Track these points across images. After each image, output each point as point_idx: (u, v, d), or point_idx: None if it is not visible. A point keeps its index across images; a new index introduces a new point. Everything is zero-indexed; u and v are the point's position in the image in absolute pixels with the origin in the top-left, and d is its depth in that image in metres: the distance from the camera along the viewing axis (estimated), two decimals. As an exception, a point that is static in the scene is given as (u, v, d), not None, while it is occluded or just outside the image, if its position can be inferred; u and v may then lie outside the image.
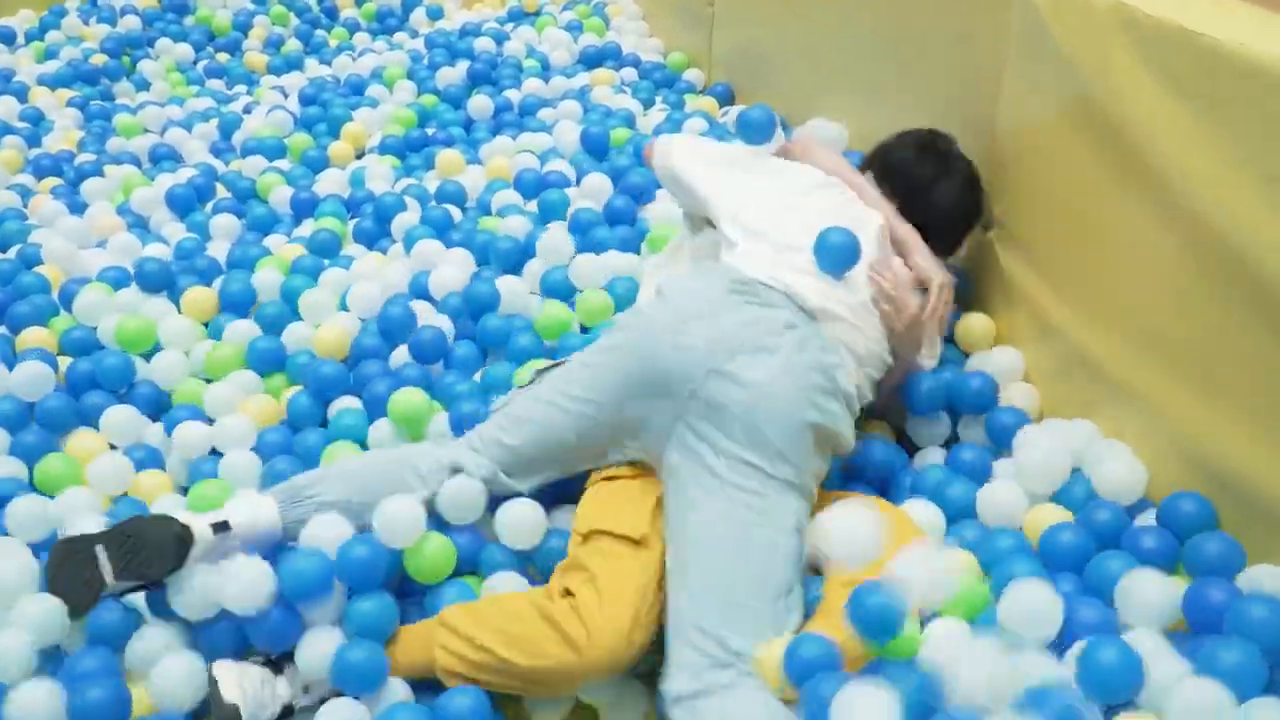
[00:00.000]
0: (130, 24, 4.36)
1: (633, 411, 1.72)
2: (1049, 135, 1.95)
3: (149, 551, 1.60)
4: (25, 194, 3.05)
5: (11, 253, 2.64)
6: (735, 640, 1.49)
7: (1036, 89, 1.98)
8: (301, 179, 3.03)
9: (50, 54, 4.24)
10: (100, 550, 1.61)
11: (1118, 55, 1.70)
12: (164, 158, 3.30)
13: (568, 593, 1.59)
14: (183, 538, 1.61)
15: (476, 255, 2.54)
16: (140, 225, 2.86)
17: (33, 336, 2.30)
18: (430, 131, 3.31)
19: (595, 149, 2.99)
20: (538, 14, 4.35)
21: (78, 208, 2.92)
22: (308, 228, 2.78)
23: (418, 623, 1.67)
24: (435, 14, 4.57)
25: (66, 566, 1.62)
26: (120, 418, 2.11)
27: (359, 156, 3.22)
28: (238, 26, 4.48)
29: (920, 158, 2.09)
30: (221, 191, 3.00)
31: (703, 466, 1.63)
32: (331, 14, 4.66)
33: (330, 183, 3.00)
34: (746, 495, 1.60)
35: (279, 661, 1.63)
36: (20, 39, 4.46)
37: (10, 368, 2.15)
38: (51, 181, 3.14)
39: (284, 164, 3.15)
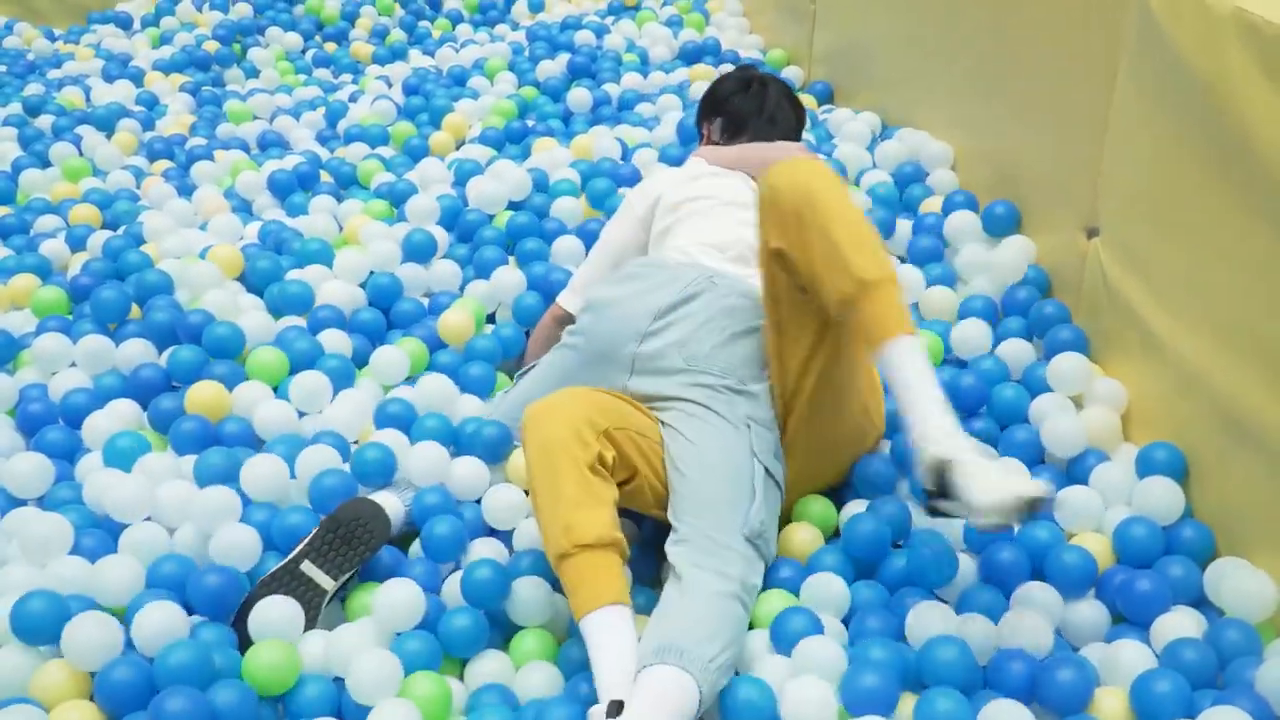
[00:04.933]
0: (242, 11, 4.47)
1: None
2: (1163, 141, 1.89)
3: (361, 535, 1.73)
4: (139, 175, 3.15)
5: (121, 231, 2.73)
6: (721, 536, 1.68)
7: (1150, 95, 1.92)
8: (401, 166, 3.07)
9: (165, 40, 4.37)
10: (308, 565, 1.70)
11: (1237, 62, 1.64)
12: (272, 144, 3.38)
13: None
14: (381, 509, 1.77)
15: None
16: (244, 208, 2.94)
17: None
18: (530, 123, 3.34)
19: (691, 142, 2.98)
20: (638, 8, 4.35)
21: (187, 190, 3.01)
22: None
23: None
24: (536, 7, 4.61)
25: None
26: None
27: (459, 147, 3.26)
28: (345, 16, 4.56)
29: (733, 93, 2.50)
30: (325, 177, 3.06)
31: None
32: (435, 5, 4.72)
33: (427, 172, 3.03)
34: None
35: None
36: (137, 25, 4.61)
37: (115, 341, 2.23)
38: (163, 164, 3.24)
39: (386, 151, 3.21)
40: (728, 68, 3.67)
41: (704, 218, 2.16)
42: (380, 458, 1.93)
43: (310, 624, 1.68)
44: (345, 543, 1.71)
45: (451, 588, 1.79)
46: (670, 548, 1.69)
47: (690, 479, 1.75)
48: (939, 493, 1.54)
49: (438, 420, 2.06)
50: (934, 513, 1.57)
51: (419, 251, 2.58)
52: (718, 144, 2.47)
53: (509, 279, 2.48)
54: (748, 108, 2.50)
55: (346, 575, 1.73)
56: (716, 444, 1.79)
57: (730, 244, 2.09)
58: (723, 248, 2.09)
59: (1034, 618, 1.64)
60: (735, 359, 1.90)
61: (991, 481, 1.48)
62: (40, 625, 1.56)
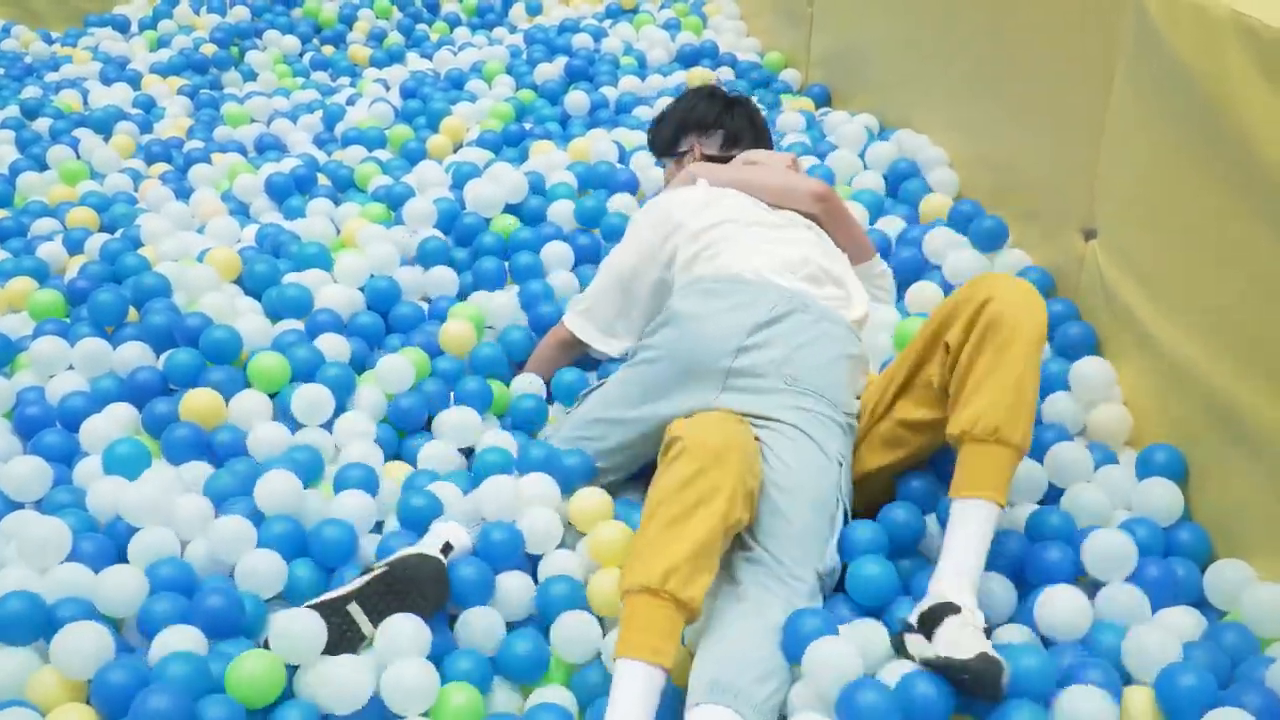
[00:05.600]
0: (239, 15, 4.47)
1: (678, 405, 1.88)
2: (1160, 144, 1.89)
3: (415, 598, 1.65)
4: (136, 178, 3.15)
5: (119, 234, 2.73)
6: (796, 567, 1.68)
7: (1148, 97, 1.93)
8: (398, 170, 3.07)
9: (162, 43, 4.37)
10: (355, 608, 1.63)
11: (1235, 65, 1.65)
12: (269, 147, 3.38)
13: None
14: (445, 573, 1.70)
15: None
16: (241, 211, 2.93)
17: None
18: (527, 126, 3.34)
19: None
20: (636, 11, 4.36)
21: (185, 193, 3.00)
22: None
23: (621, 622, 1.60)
24: (534, 9, 4.61)
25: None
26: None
27: (456, 150, 3.25)
28: (343, 20, 4.56)
29: (723, 108, 2.57)
30: (323, 180, 3.06)
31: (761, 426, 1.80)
32: (433, 8, 4.73)
33: (424, 175, 3.03)
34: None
35: None
36: (134, 28, 4.61)
37: (113, 344, 2.22)
38: (161, 167, 3.23)
39: (383, 154, 3.20)
40: (726, 70, 3.68)
41: (739, 241, 2.10)
42: (427, 504, 1.89)
43: None
44: (399, 599, 1.64)
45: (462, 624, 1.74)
46: (742, 565, 1.68)
47: (778, 503, 1.71)
48: (920, 629, 1.54)
49: (499, 455, 2.01)
50: (898, 646, 1.56)
51: (431, 257, 2.59)
52: (710, 159, 2.49)
53: (502, 302, 2.47)
54: (741, 123, 2.54)
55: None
56: (811, 474, 1.76)
57: (798, 264, 2.05)
58: (793, 268, 2.04)
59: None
60: (832, 384, 1.88)
61: (968, 636, 1.47)
62: (14, 625, 1.56)
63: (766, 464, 1.75)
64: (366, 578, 1.66)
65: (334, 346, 2.26)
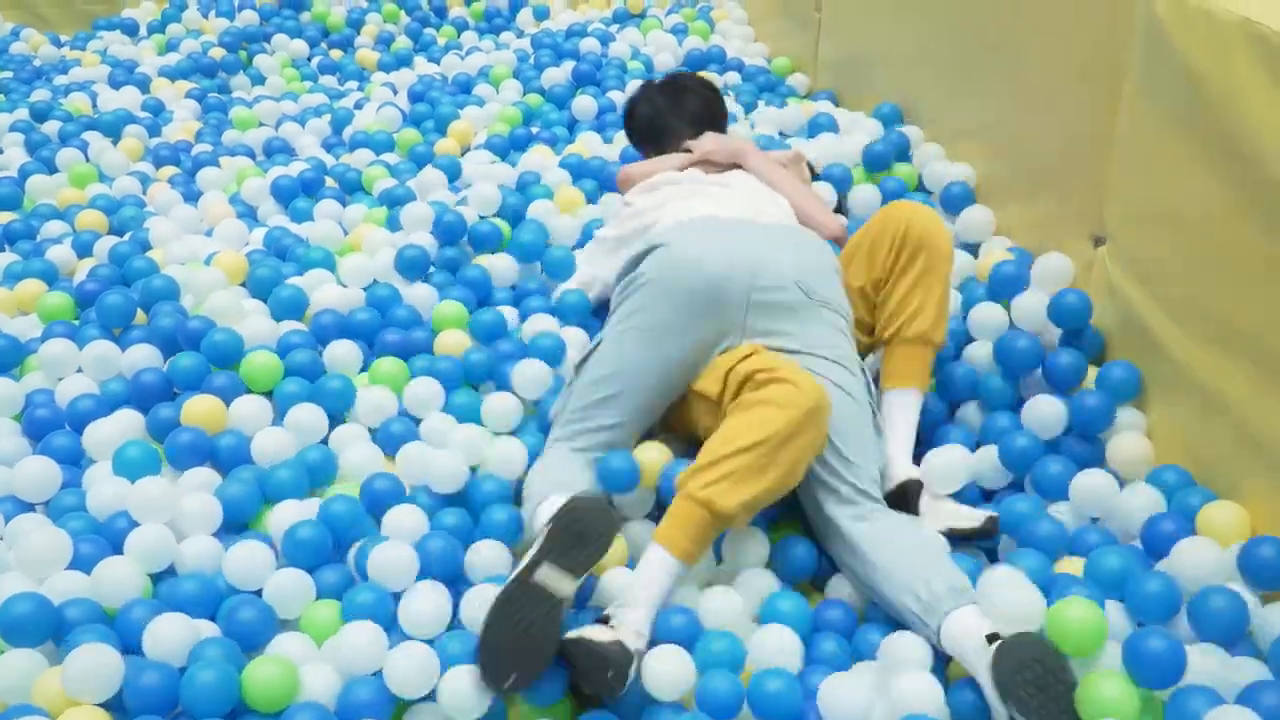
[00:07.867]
0: (248, 19, 4.48)
1: (696, 337, 1.93)
2: (1170, 150, 1.89)
3: (593, 530, 1.57)
4: (145, 181, 3.15)
5: (127, 237, 2.73)
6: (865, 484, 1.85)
7: (1157, 103, 1.92)
8: (406, 174, 3.07)
9: (171, 46, 4.38)
10: (545, 570, 1.54)
11: (1244, 71, 1.65)
12: (277, 151, 3.38)
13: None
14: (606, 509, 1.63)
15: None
16: (249, 215, 2.94)
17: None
18: (535, 130, 3.35)
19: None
20: (643, 16, 4.36)
21: (193, 196, 3.01)
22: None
23: (668, 512, 1.73)
24: (541, 14, 4.62)
25: (515, 624, 1.52)
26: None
27: (464, 154, 3.26)
28: (351, 24, 4.58)
29: (656, 99, 2.67)
30: (330, 184, 3.06)
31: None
32: (441, 13, 4.73)
33: (426, 178, 3.03)
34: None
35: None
36: (143, 31, 4.62)
37: (121, 347, 2.22)
38: (169, 170, 3.24)
39: (391, 158, 3.21)
40: (733, 75, 3.68)
41: (689, 197, 2.25)
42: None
43: (548, 659, 1.53)
44: (579, 541, 1.56)
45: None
46: (835, 508, 1.83)
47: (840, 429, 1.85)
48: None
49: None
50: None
51: (411, 267, 2.51)
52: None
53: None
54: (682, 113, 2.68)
55: (582, 580, 1.57)
56: (852, 394, 1.89)
57: (749, 209, 2.16)
58: (747, 214, 2.13)
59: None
60: (835, 294, 2.00)
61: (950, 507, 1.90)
62: (21, 628, 1.57)
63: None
64: (539, 543, 1.58)
65: (340, 352, 2.25)
